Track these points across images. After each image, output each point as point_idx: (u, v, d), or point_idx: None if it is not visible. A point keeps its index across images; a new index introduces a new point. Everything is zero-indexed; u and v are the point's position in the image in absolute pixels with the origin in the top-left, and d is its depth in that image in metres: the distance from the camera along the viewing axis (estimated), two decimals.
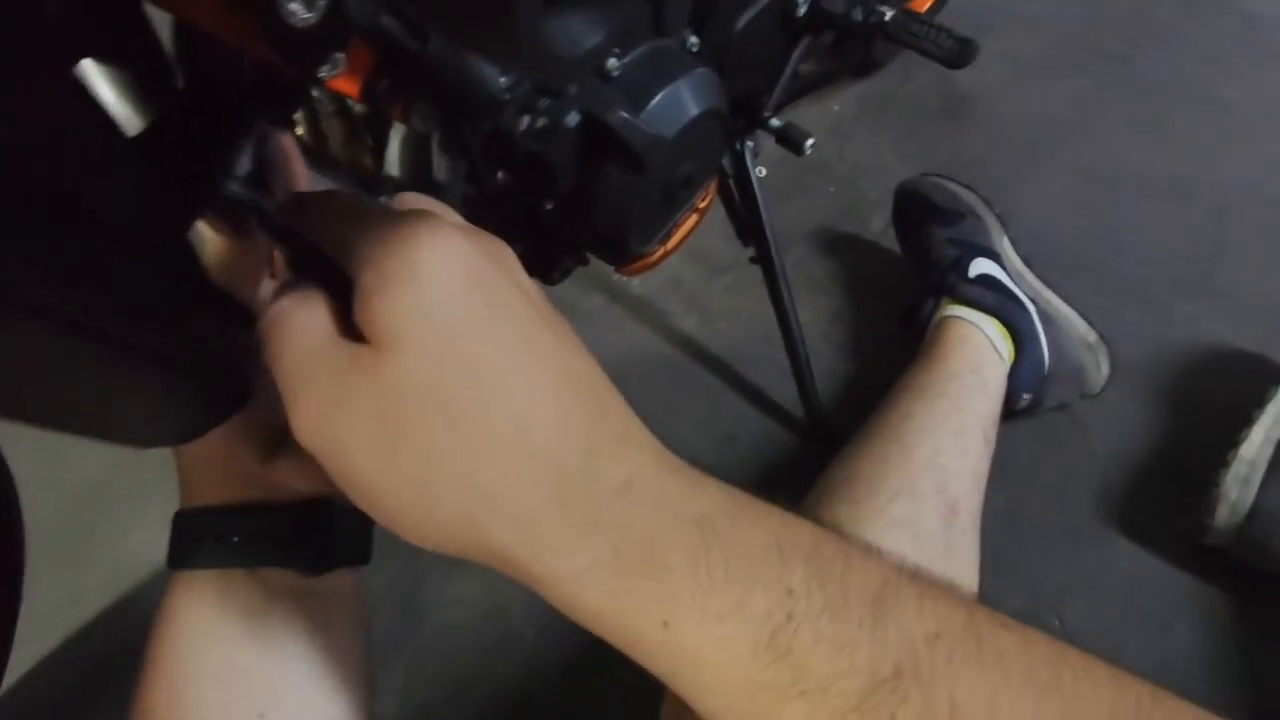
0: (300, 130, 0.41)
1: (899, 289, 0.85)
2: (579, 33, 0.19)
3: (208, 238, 0.28)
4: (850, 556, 0.21)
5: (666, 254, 0.55)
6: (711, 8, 0.49)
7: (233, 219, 0.29)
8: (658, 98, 0.43)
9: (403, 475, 0.20)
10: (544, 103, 0.41)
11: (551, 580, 0.20)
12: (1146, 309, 0.82)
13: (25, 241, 0.17)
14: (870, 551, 0.22)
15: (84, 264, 0.20)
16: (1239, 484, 0.60)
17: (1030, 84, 1.06)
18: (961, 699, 0.19)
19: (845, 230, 0.94)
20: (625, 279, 0.91)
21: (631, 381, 0.81)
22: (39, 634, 0.69)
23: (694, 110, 0.45)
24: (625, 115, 0.42)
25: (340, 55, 0.26)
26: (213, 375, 0.23)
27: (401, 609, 0.67)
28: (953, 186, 0.80)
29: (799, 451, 0.75)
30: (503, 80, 0.40)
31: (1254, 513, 0.59)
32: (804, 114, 1.08)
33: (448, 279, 0.20)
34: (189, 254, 0.27)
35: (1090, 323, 0.73)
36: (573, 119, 0.41)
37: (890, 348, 0.80)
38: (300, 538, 0.29)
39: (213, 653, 0.27)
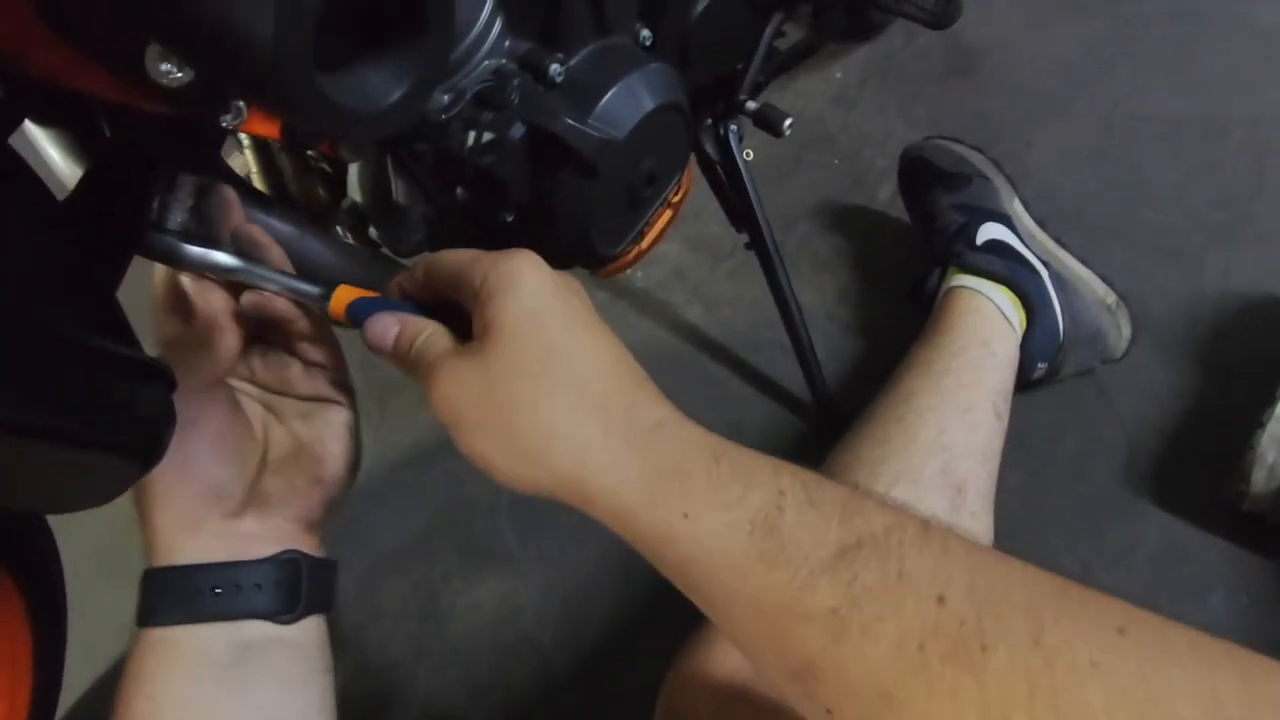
0: (252, 169, 0.42)
1: (909, 262, 0.82)
2: (379, 89, 0.19)
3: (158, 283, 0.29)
4: (824, 478, 0.27)
5: (641, 253, 0.54)
6: None
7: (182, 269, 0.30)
8: (605, 98, 0.42)
9: (495, 423, 0.27)
10: (487, 117, 0.40)
11: (599, 490, 0.27)
12: (1176, 262, 0.77)
13: None
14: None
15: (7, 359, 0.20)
16: (1276, 446, 0.56)
17: (1043, 31, 1.00)
18: (909, 567, 0.23)
19: (851, 203, 0.91)
20: (630, 272, 0.90)
21: None
22: (89, 660, 0.73)
23: (647, 106, 0.44)
24: (570, 122, 0.41)
25: (240, 104, 0.26)
26: (124, 444, 0.24)
27: (421, 617, 0.68)
28: (958, 149, 0.76)
29: (806, 436, 0.73)
30: (444, 99, 0.40)
31: None
32: (805, 84, 1.05)
33: (538, 288, 0.29)
34: (119, 314, 0.28)
35: (1110, 283, 0.69)
36: (518, 130, 0.41)
37: (900, 324, 0.77)
38: (274, 589, 0.31)
39: (189, 705, 0.28)
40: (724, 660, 0.43)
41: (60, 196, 0.30)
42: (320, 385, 0.35)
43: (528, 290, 0.29)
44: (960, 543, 0.25)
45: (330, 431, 0.34)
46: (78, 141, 0.34)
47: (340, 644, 0.69)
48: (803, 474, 0.27)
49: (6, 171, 0.27)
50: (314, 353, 0.35)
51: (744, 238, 0.71)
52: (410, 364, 0.31)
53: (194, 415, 0.30)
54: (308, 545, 0.33)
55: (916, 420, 0.57)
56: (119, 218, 0.28)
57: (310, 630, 0.32)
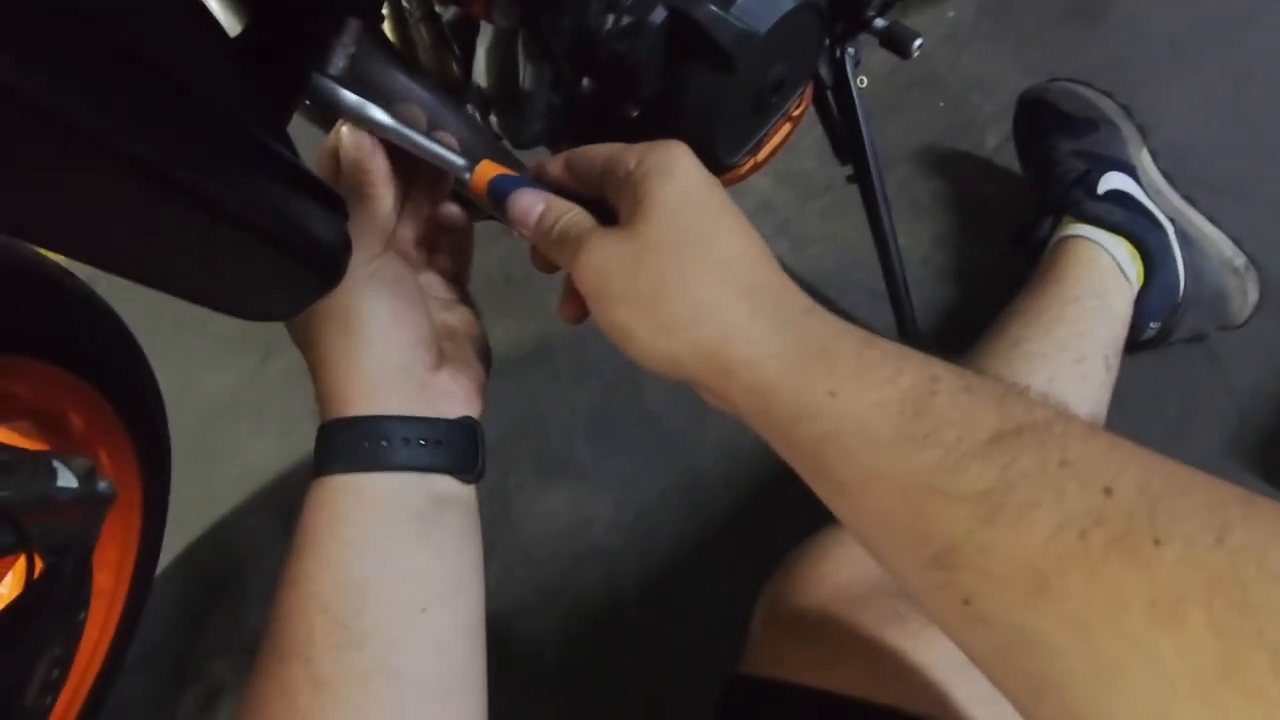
0: (390, 35, 0.41)
1: (1013, 212, 0.78)
2: None
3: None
4: (985, 375, 0.26)
5: (756, 166, 0.52)
6: None
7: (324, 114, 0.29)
8: None
9: (641, 294, 0.27)
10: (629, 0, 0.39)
11: (743, 363, 0.26)
12: None
13: (151, 122, 0.18)
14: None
15: (194, 140, 0.21)
16: None
17: None
18: (1073, 457, 0.22)
19: (955, 148, 0.87)
20: None
21: None
22: (183, 528, 0.77)
23: (788, 4, 0.42)
24: (714, 9, 0.39)
25: None
26: (307, 255, 0.24)
27: (493, 520, 0.70)
28: (1087, 92, 0.72)
29: None
30: None
31: None
32: (914, 21, 0.99)
33: (694, 174, 0.29)
34: (287, 143, 0.28)
35: (1239, 245, 0.65)
36: (658, 15, 0.39)
37: (998, 275, 0.74)
38: (462, 448, 0.32)
39: (384, 548, 0.29)
40: (836, 571, 0.43)
41: None
42: (452, 290, 0.37)
43: (683, 173, 0.29)
44: (1132, 444, 0.23)
45: (469, 320, 0.36)
46: None
47: None
48: (958, 367, 0.25)
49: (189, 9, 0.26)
50: (445, 263, 0.37)
51: (842, 174, 0.69)
52: (554, 241, 0.30)
53: (388, 273, 0.31)
54: (477, 412, 0.34)
55: (1026, 366, 0.55)
56: (289, 55, 0.28)
57: (472, 496, 0.33)
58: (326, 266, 0.25)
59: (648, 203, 0.28)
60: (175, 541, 0.76)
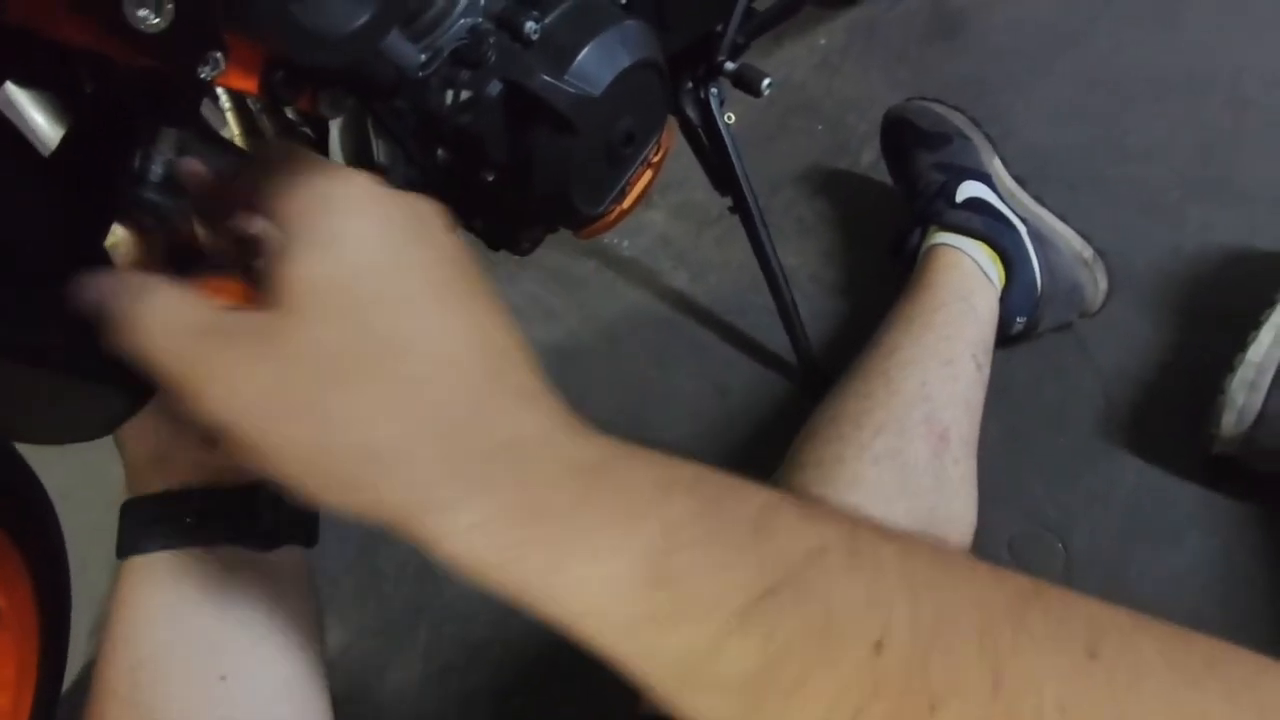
0: (235, 133, 0.43)
1: (891, 224, 0.83)
2: (345, 12, 0.19)
3: (122, 239, 0.30)
4: (732, 487, 0.22)
5: (624, 213, 0.55)
6: None
7: (147, 223, 0.30)
8: (581, 55, 0.43)
9: (304, 440, 0.20)
10: (464, 75, 0.41)
11: (439, 538, 0.20)
12: (1157, 216, 0.78)
13: None
14: (751, 483, 0.22)
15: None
16: (1245, 389, 0.57)
17: None
18: (837, 607, 0.19)
19: (835, 168, 0.91)
20: (616, 241, 0.91)
21: (625, 342, 0.82)
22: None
23: (623, 63, 0.45)
24: (546, 78, 0.41)
25: (218, 54, 0.27)
26: (121, 374, 0.25)
27: (418, 577, 0.70)
28: (939, 109, 0.77)
29: (793, 397, 0.75)
30: (421, 57, 0.41)
31: (1262, 417, 0.56)
32: (789, 51, 1.05)
33: (360, 246, 0.21)
34: (104, 261, 0.29)
35: (1087, 238, 0.70)
36: (494, 88, 0.41)
37: (883, 284, 0.78)
38: (251, 515, 0.31)
39: (173, 625, 0.29)
40: None
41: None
42: None
43: (350, 237, 0.21)
44: (896, 550, 0.20)
45: None
46: (61, 102, 0.34)
47: (342, 607, 0.71)
48: (701, 486, 0.21)
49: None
50: None
51: (728, 203, 0.72)
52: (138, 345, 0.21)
53: None
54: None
55: (899, 373, 0.58)
56: (102, 172, 0.29)
57: (292, 559, 0.33)
58: (137, 385, 0.26)
59: (294, 292, 0.20)
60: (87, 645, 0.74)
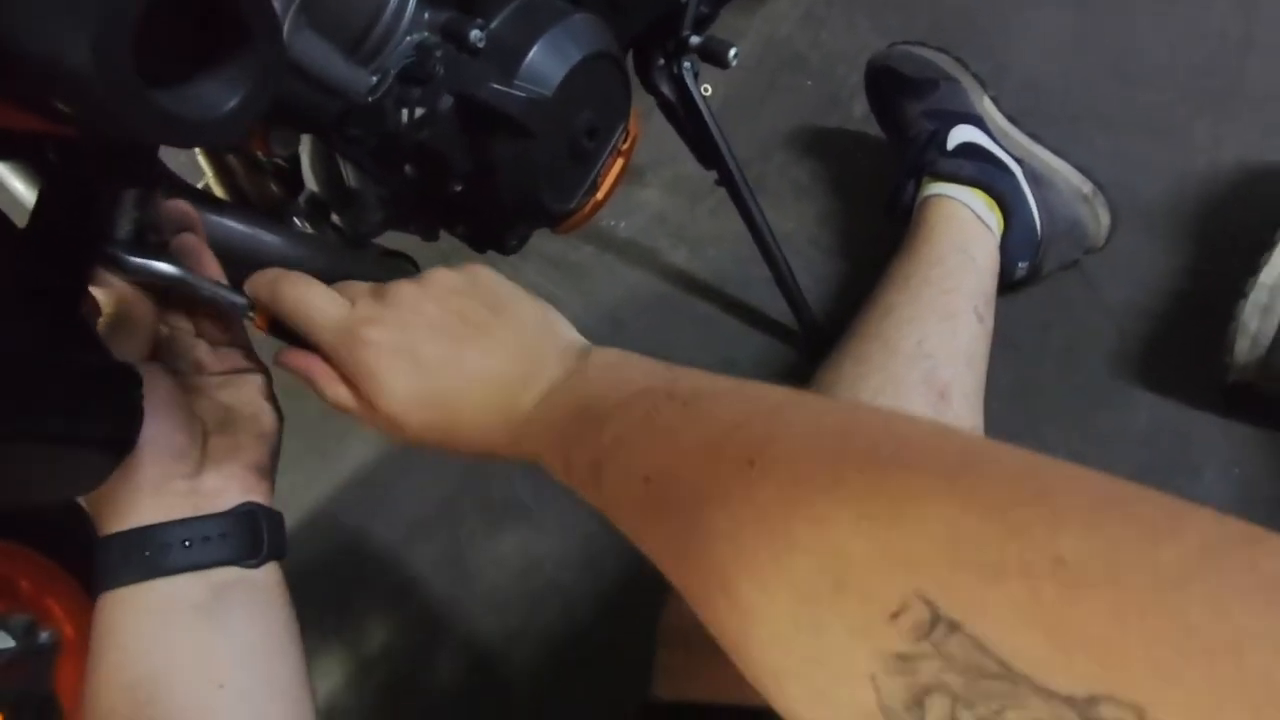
0: (208, 173, 0.44)
1: (887, 178, 0.81)
2: (215, 98, 0.20)
3: (100, 299, 0.32)
4: (638, 372, 0.31)
5: (598, 204, 0.55)
6: None
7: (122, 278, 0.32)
8: (529, 57, 0.43)
9: (437, 424, 0.34)
10: (415, 92, 0.42)
11: (496, 446, 0.34)
12: (1163, 139, 0.75)
13: None
14: (657, 375, 0.31)
15: None
16: (1259, 313, 0.56)
17: None
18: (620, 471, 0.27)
19: (827, 125, 0.89)
20: (612, 223, 0.91)
21: (630, 325, 0.82)
22: None
23: (574, 59, 0.44)
24: (495, 86, 0.42)
25: None
26: (105, 432, 0.27)
27: (450, 576, 0.73)
28: (923, 53, 0.75)
29: (798, 364, 0.74)
30: (371, 80, 0.41)
31: (1277, 341, 0.54)
32: (772, 7, 1.02)
33: (394, 370, 0.33)
34: (84, 324, 0.30)
35: (1086, 172, 0.68)
36: (445, 102, 0.42)
37: (883, 242, 0.77)
38: (239, 537, 0.33)
39: (168, 646, 0.31)
40: None
41: (23, 221, 0.33)
42: (229, 359, 0.38)
43: (386, 379, 0.33)
44: (711, 398, 0.27)
45: (250, 394, 0.37)
46: (33, 170, 0.36)
47: (379, 608, 0.74)
48: (592, 409, 0.30)
49: None
50: (217, 333, 0.37)
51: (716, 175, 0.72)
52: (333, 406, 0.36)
53: (145, 389, 0.32)
54: (261, 494, 0.35)
55: (896, 333, 0.58)
56: (73, 236, 0.31)
57: (272, 573, 0.35)
58: (118, 442, 0.27)
59: (379, 407, 0.34)
60: None
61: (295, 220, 0.45)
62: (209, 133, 0.20)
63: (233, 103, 0.21)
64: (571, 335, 0.36)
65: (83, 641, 0.59)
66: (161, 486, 0.32)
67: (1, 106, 0.23)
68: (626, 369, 0.32)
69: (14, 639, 0.46)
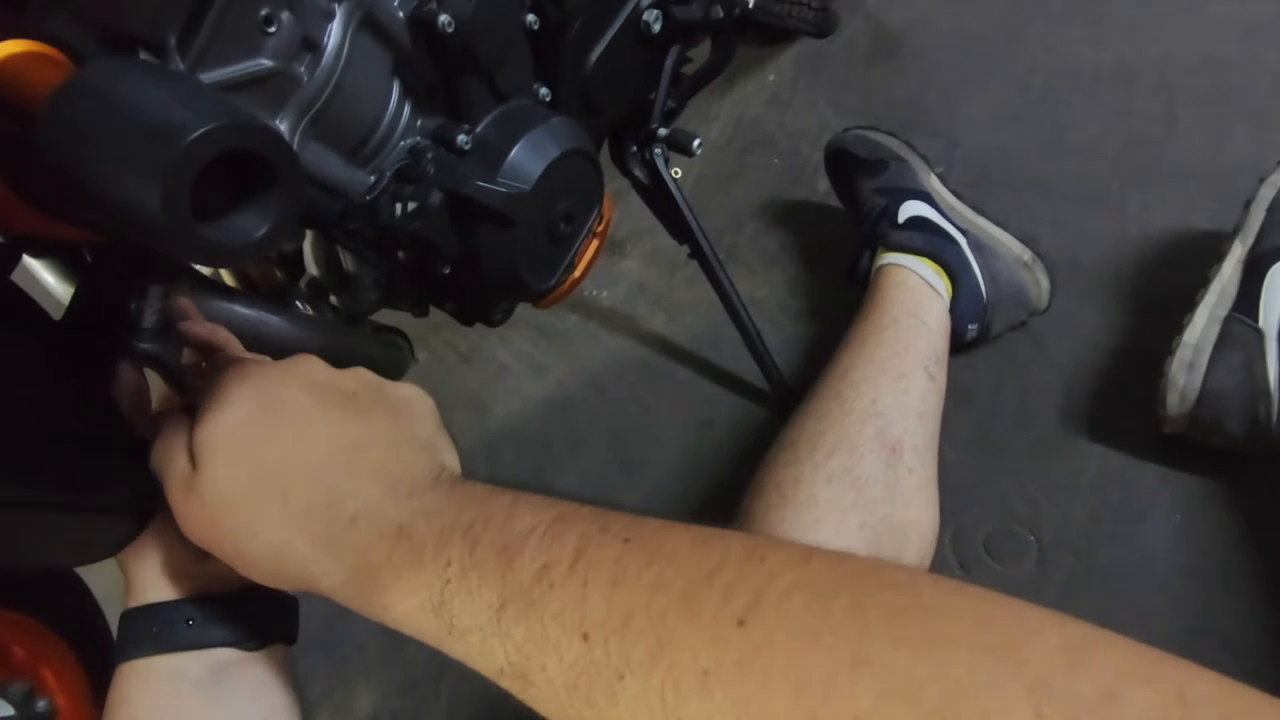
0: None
1: (849, 247, 0.87)
2: (248, 228, 0.24)
3: (127, 382, 0.36)
4: (505, 518, 0.27)
5: (576, 281, 0.60)
6: (555, 58, 0.54)
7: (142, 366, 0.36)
8: (510, 156, 0.49)
9: (232, 552, 0.29)
10: (408, 189, 0.47)
11: (329, 593, 0.28)
12: (1098, 208, 0.81)
13: None
14: (525, 510, 0.27)
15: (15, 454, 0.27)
16: (1185, 369, 0.60)
17: (958, 4, 1.05)
18: (555, 610, 0.24)
19: (794, 198, 0.96)
20: (595, 293, 0.96)
21: (612, 389, 0.87)
22: None
23: (551, 156, 0.50)
24: (480, 183, 0.47)
25: None
26: (125, 504, 0.30)
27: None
28: (874, 136, 0.82)
29: (770, 423, 0.79)
30: (369, 180, 0.47)
31: (1203, 396, 0.59)
32: (740, 91, 1.11)
33: (240, 407, 0.30)
34: (110, 406, 0.34)
35: (1026, 242, 0.74)
36: (435, 197, 0.47)
37: (846, 307, 0.82)
38: (241, 619, 0.36)
39: (173, 715, 0.33)
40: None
41: (57, 312, 0.37)
42: None
43: (230, 406, 0.29)
44: (614, 555, 0.24)
45: None
46: (67, 267, 0.41)
47: (369, 669, 0.76)
48: (477, 528, 0.26)
49: (10, 302, 0.34)
50: None
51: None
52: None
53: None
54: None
55: (852, 392, 0.62)
56: (104, 326, 0.35)
57: (275, 655, 0.37)
58: (140, 510, 0.31)
59: (199, 455, 0.29)
60: None
61: (297, 303, 0.50)
62: (244, 256, 0.25)
63: (263, 230, 0.25)
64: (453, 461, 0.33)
65: (75, 712, 0.61)
66: (175, 565, 0.35)
67: (63, 226, 0.28)
68: (519, 499, 0.28)
69: (13, 707, 0.48)
